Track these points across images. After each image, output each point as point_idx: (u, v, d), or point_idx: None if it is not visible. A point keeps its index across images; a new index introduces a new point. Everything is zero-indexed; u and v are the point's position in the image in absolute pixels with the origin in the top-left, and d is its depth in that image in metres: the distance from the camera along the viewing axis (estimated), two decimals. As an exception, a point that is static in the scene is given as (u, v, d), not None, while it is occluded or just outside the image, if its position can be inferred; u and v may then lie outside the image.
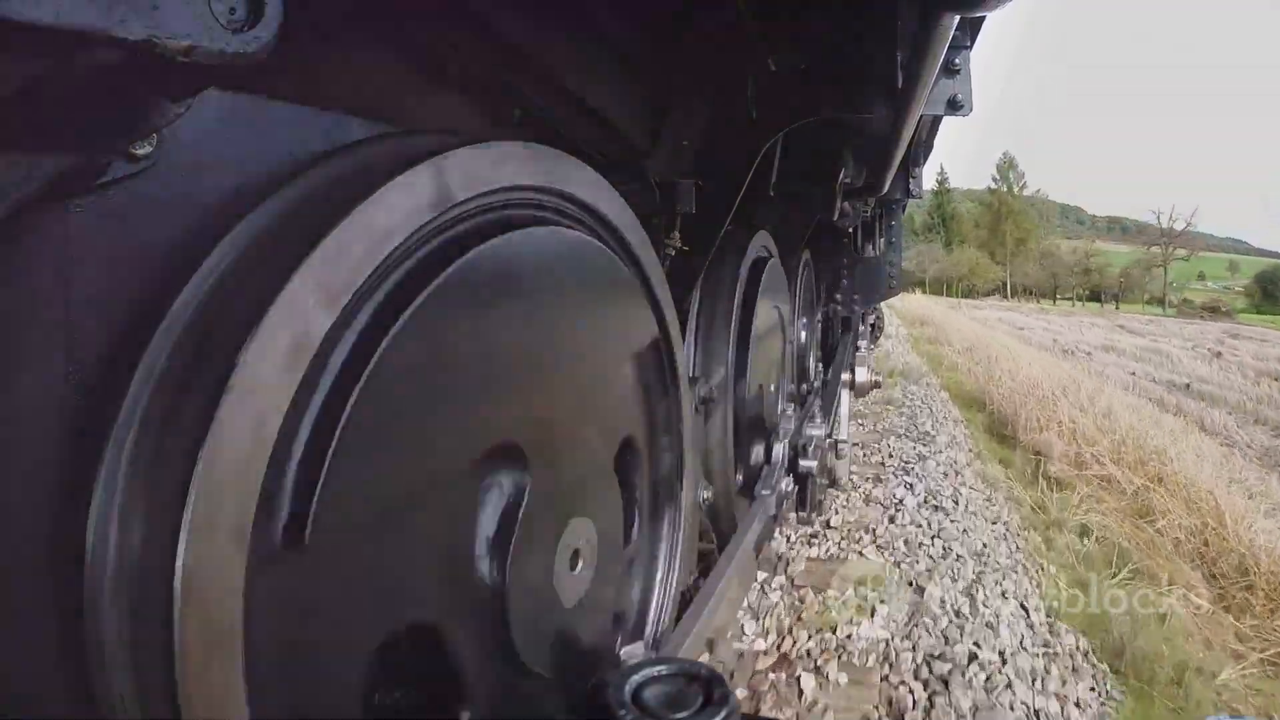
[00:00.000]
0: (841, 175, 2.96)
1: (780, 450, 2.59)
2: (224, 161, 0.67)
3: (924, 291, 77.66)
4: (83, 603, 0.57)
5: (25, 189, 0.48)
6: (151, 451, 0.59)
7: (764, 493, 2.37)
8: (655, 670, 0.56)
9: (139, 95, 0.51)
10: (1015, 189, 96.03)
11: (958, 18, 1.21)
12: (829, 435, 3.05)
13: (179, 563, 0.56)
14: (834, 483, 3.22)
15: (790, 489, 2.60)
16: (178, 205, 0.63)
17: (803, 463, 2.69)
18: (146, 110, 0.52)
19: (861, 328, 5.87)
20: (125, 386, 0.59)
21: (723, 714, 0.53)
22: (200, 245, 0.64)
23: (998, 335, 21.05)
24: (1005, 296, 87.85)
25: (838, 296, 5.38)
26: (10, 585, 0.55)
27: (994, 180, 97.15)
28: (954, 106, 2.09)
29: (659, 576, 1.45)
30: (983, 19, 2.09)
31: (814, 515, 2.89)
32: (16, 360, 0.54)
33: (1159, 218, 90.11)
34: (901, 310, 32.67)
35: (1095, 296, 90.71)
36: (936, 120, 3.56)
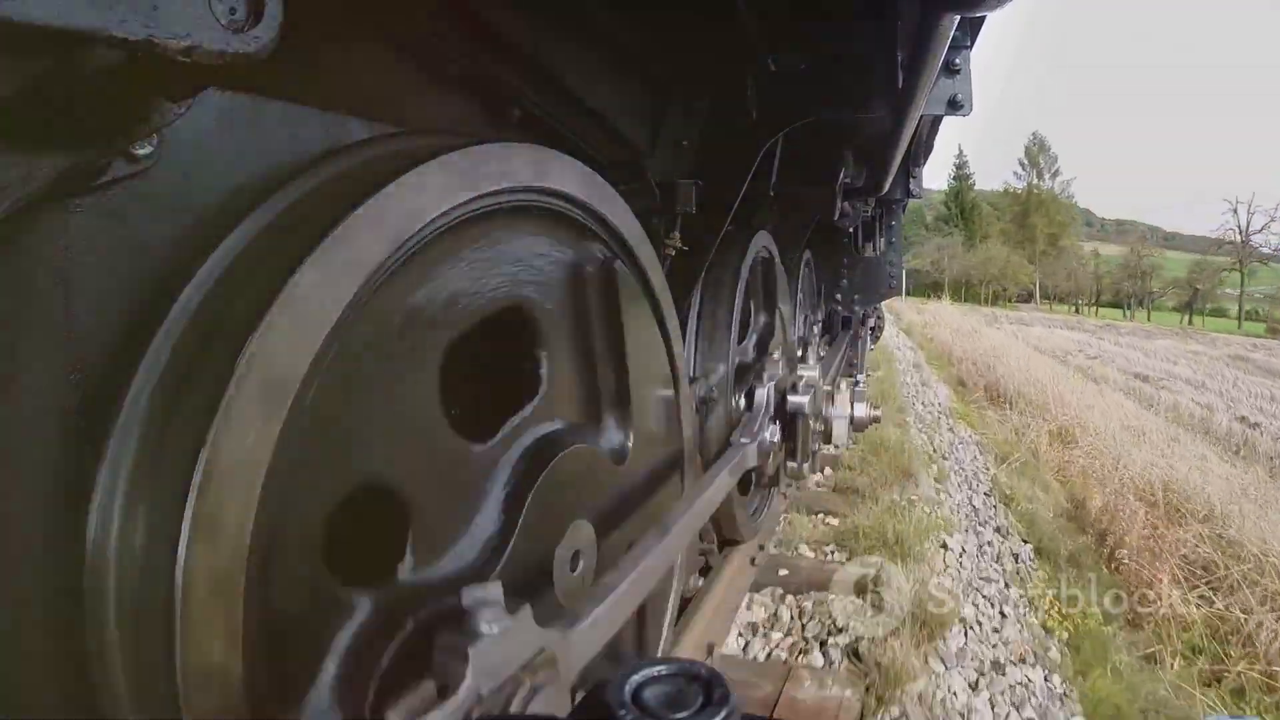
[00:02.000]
0: (841, 175, 2.96)
1: (765, 394, 2.12)
2: (224, 161, 0.67)
3: (950, 298, 58.91)
4: (83, 602, 0.57)
5: (25, 189, 0.48)
6: (152, 450, 0.59)
7: (742, 440, 1.85)
8: (655, 670, 0.56)
9: (139, 95, 0.51)
10: (1047, 176, 76.02)
11: (958, 18, 1.21)
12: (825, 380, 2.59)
13: (179, 561, 0.56)
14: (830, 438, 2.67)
15: (776, 437, 2.08)
16: (178, 205, 0.63)
17: (792, 399, 2.21)
18: (146, 110, 0.52)
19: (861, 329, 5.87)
20: (125, 386, 0.59)
21: (723, 714, 0.53)
22: (200, 245, 0.64)
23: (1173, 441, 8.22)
24: (1037, 303, 72.46)
25: (838, 296, 5.39)
26: (10, 585, 0.55)
27: (1021, 165, 77.25)
28: (954, 106, 2.09)
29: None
30: (983, 19, 2.09)
31: (806, 466, 2.40)
32: (16, 360, 0.54)
33: (1235, 210, 67.43)
34: (924, 331, 20.33)
35: (1118, 303, 74.69)
36: (936, 120, 3.56)
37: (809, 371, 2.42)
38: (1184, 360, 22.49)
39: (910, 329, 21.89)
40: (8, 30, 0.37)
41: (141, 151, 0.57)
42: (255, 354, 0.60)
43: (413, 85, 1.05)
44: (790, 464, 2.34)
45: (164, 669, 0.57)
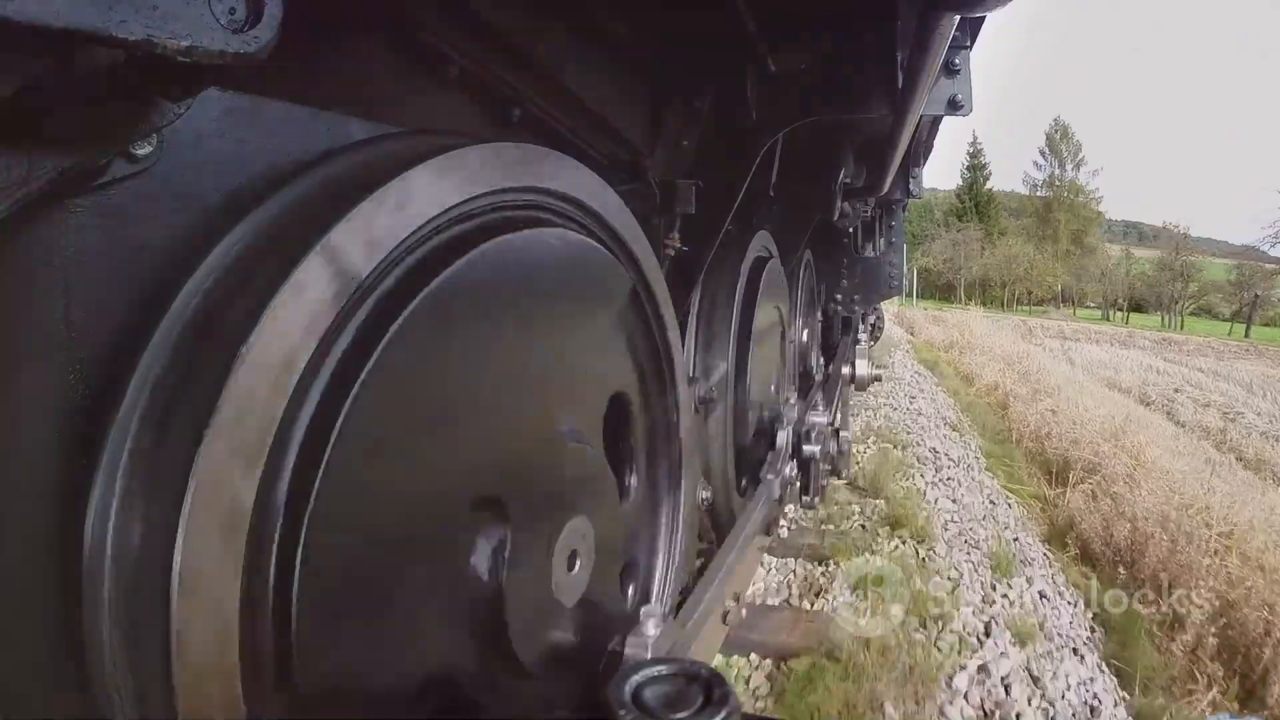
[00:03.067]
0: (841, 175, 2.96)
1: (785, 437, 2.54)
2: (224, 161, 0.67)
3: (979, 303, 49.31)
4: (82, 602, 0.57)
5: (25, 189, 0.48)
6: (150, 450, 0.59)
7: (769, 477, 2.32)
8: (655, 670, 0.57)
9: (139, 95, 0.51)
10: (1069, 166, 66.80)
11: (958, 18, 1.21)
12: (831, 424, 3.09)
13: (177, 561, 0.56)
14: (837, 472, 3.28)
15: (794, 475, 2.57)
16: (178, 205, 0.63)
17: (806, 448, 2.69)
18: (146, 110, 0.52)
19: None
20: (125, 386, 0.59)
21: (723, 714, 0.53)
22: (200, 245, 0.65)
23: None
24: (1059, 306, 65.02)
25: (837, 297, 5.39)
26: (10, 585, 0.55)
27: (1042, 154, 67.99)
28: (954, 106, 2.09)
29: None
30: (983, 19, 2.09)
31: (817, 500, 2.88)
32: (16, 360, 0.54)
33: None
34: (957, 364, 12.49)
35: (1137, 307, 66.36)
36: (936, 121, 3.56)
37: (819, 419, 2.84)
38: None
39: (935, 360, 13.16)
40: (7, 30, 0.37)
41: (141, 151, 0.58)
42: (254, 354, 0.60)
43: (413, 85, 1.05)
44: (804, 497, 2.79)
45: (161, 668, 0.57)
